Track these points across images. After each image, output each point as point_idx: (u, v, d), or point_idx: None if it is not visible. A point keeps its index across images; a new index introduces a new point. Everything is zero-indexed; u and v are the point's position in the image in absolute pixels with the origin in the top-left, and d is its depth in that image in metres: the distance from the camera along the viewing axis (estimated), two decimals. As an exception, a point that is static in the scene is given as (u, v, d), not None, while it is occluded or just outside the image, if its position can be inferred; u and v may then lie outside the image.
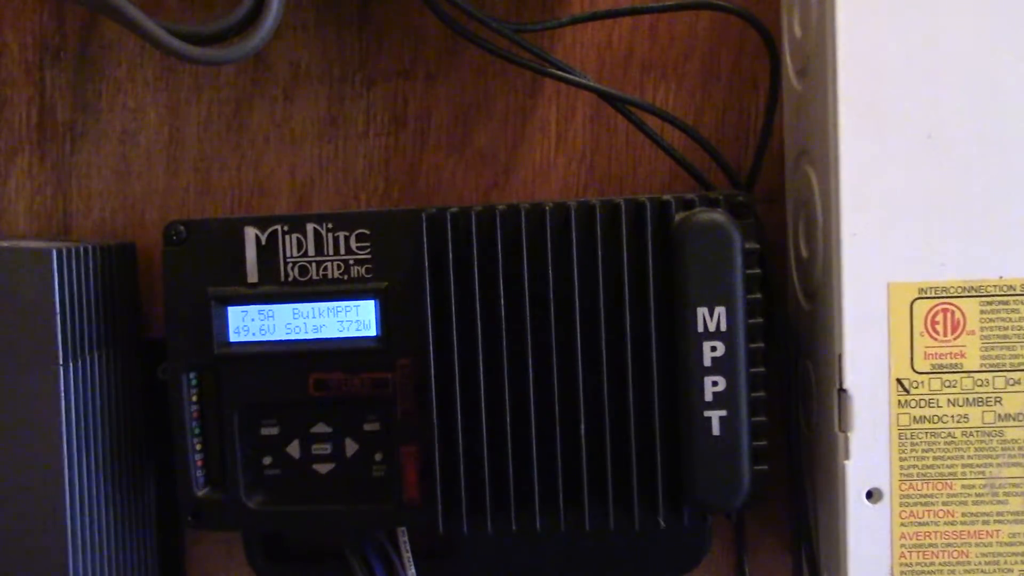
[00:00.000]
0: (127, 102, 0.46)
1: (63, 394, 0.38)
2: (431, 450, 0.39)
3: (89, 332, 0.40)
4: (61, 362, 0.38)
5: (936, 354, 0.36)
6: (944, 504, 0.36)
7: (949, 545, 0.36)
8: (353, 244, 0.40)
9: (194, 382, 0.41)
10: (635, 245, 0.38)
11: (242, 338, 0.40)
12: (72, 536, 0.39)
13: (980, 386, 0.36)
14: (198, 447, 0.41)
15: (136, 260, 0.45)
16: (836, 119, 0.36)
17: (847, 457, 0.36)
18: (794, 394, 0.41)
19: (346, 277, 0.40)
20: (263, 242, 0.40)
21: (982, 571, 0.36)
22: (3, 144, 0.46)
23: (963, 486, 0.36)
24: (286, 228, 0.40)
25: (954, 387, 0.36)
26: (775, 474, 0.39)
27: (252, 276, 0.40)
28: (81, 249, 0.40)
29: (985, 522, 0.36)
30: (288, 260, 0.40)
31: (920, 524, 0.36)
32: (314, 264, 0.40)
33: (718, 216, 0.37)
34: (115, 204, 0.46)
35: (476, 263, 0.38)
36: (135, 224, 0.46)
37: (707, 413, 0.37)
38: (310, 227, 0.40)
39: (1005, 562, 0.36)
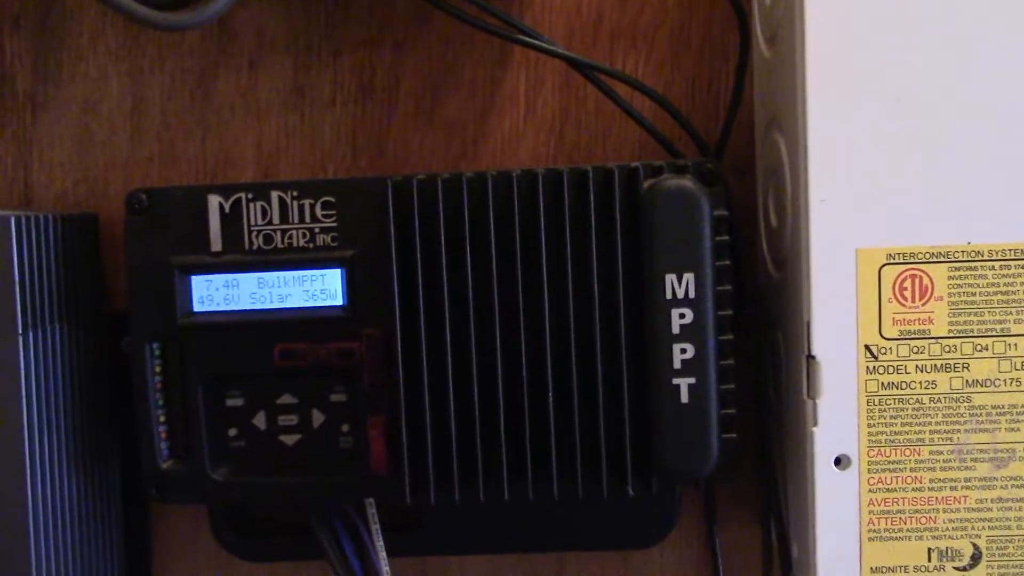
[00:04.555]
0: (89, 71, 0.45)
1: (23, 363, 0.38)
2: (398, 420, 0.38)
3: (50, 302, 0.40)
4: (20, 331, 0.38)
5: (904, 320, 0.36)
6: (912, 470, 0.36)
7: (917, 511, 0.36)
8: (319, 212, 0.39)
9: (157, 353, 0.40)
10: (603, 212, 0.38)
11: (206, 308, 0.40)
12: (33, 509, 0.39)
13: (948, 352, 0.36)
14: (162, 419, 0.40)
15: (98, 231, 0.45)
16: (804, 84, 0.36)
17: (815, 424, 0.36)
18: (763, 362, 0.41)
19: (312, 246, 0.39)
20: (227, 210, 0.39)
21: (950, 537, 0.36)
22: (-38, 113, 0.46)
23: (931, 452, 0.36)
24: (250, 196, 0.39)
25: (922, 353, 0.36)
26: (744, 446, 0.39)
27: (216, 245, 0.39)
28: (41, 218, 0.40)
29: (953, 488, 0.36)
30: (253, 228, 0.39)
31: (888, 490, 0.36)
32: (279, 232, 0.39)
33: (686, 182, 0.37)
34: (77, 175, 0.46)
35: (443, 231, 0.38)
36: (98, 195, 0.46)
37: (675, 381, 0.37)
38: (275, 195, 0.39)
39: (972, 527, 0.36)
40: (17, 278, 0.38)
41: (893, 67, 0.35)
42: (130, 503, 0.45)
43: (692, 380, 0.37)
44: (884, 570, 0.36)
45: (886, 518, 0.36)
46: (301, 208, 0.39)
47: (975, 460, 0.36)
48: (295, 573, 0.46)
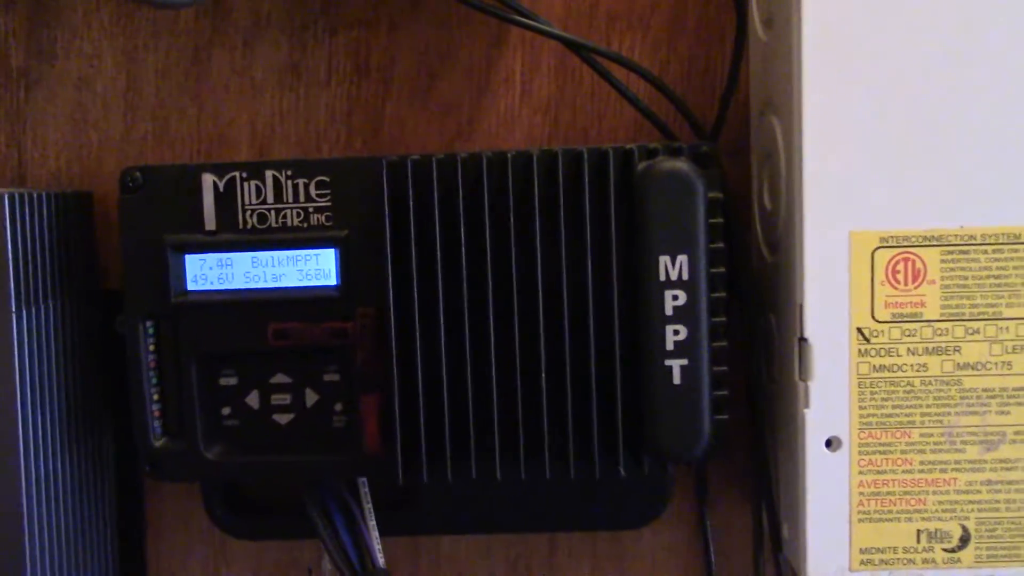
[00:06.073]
0: (83, 48, 0.45)
1: (16, 341, 0.38)
2: (391, 400, 0.39)
3: (44, 279, 0.40)
4: (14, 308, 0.38)
5: (896, 303, 0.36)
6: (902, 452, 0.36)
7: (907, 493, 0.36)
8: (313, 191, 0.39)
9: (151, 331, 0.40)
10: (598, 194, 0.38)
11: (200, 287, 0.40)
12: (27, 487, 0.39)
13: (939, 335, 0.36)
14: (156, 397, 0.40)
15: (92, 209, 0.45)
16: (800, 67, 0.36)
17: (807, 406, 0.36)
18: (756, 344, 0.41)
19: (306, 225, 0.39)
20: (221, 189, 0.39)
21: (939, 518, 0.36)
22: (-45, 90, 0.45)
23: (921, 435, 0.36)
24: (244, 175, 0.39)
25: (914, 336, 0.36)
26: (736, 426, 0.39)
27: (210, 223, 0.39)
28: (35, 195, 0.40)
29: (942, 470, 0.36)
30: (247, 207, 0.39)
31: (878, 472, 0.36)
32: (273, 212, 0.39)
33: (681, 164, 0.37)
34: (71, 153, 0.45)
35: (437, 211, 0.38)
36: (92, 173, 0.45)
37: (668, 362, 0.37)
38: (269, 174, 0.39)
39: (961, 510, 0.36)
40: (11, 256, 0.38)
41: (889, 51, 0.35)
42: (123, 480, 0.45)
43: (685, 362, 0.37)
44: (874, 551, 0.37)
45: (876, 500, 0.36)
46: (295, 187, 0.39)
47: (965, 443, 0.36)
48: (287, 552, 0.46)
